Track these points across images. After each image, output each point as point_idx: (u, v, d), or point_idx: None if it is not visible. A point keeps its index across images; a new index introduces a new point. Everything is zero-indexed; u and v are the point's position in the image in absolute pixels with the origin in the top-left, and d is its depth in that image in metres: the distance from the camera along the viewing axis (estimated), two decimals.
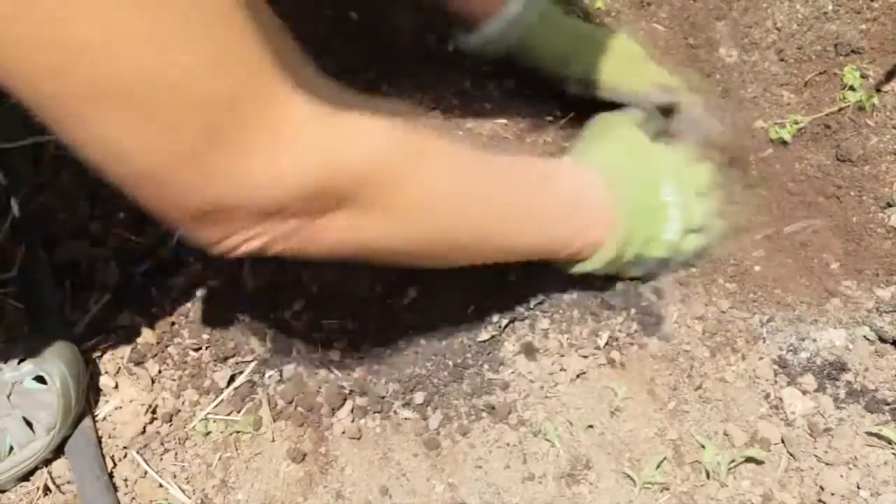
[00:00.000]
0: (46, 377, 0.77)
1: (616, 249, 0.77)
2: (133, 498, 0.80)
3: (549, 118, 1.03)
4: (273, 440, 0.83)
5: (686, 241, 0.84)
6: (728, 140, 0.96)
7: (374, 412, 0.83)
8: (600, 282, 0.87)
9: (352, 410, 0.83)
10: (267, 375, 0.85)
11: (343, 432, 0.82)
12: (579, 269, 0.79)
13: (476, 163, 0.65)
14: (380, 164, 0.53)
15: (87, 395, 0.82)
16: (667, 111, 0.93)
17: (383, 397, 0.83)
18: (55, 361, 0.77)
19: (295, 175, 0.48)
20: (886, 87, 1.03)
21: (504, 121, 1.01)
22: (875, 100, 1.01)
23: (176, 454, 0.82)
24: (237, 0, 0.41)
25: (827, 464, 0.81)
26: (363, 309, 0.87)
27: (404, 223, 0.58)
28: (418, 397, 0.84)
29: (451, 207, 0.61)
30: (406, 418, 0.83)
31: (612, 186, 0.77)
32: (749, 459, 0.82)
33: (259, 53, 0.44)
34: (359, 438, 0.82)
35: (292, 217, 0.51)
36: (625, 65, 0.94)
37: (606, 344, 0.87)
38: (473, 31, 0.92)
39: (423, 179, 0.58)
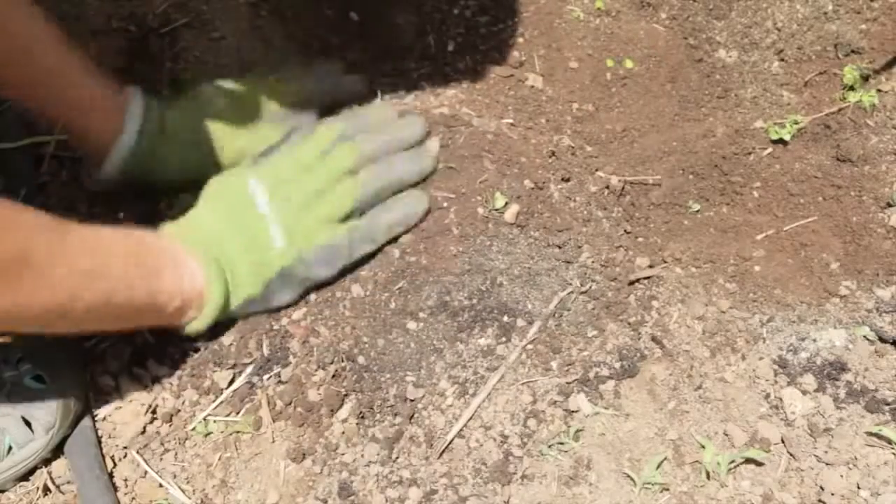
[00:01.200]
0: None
1: (220, 294, 0.77)
2: (133, 498, 0.80)
3: (556, 121, 1.04)
4: (273, 440, 0.83)
5: (319, 237, 0.82)
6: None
7: (375, 413, 0.83)
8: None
9: (351, 410, 0.83)
10: (266, 377, 0.85)
11: (343, 432, 0.82)
12: (196, 326, 0.79)
13: (51, 238, 0.64)
14: None
15: (88, 393, 0.82)
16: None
17: (383, 398, 0.83)
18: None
19: None
20: (886, 87, 1.03)
21: (510, 120, 1.01)
22: (875, 100, 1.02)
23: (176, 454, 0.82)
24: None
25: (827, 464, 0.81)
26: (359, 311, 0.87)
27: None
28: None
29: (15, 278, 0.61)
30: (405, 418, 0.83)
31: (201, 249, 0.78)
32: (749, 460, 0.82)
33: None
34: (358, 438, 0.82)
35: None
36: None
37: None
38: (98, 166, 0.87)
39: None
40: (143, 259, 0.72)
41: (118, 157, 0.85)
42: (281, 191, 0.83)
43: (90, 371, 0.84)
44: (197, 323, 0.78)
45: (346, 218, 0.85)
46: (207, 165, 0.90)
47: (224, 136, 0.91)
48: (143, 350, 0.86)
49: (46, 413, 0.76)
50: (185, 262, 0.76)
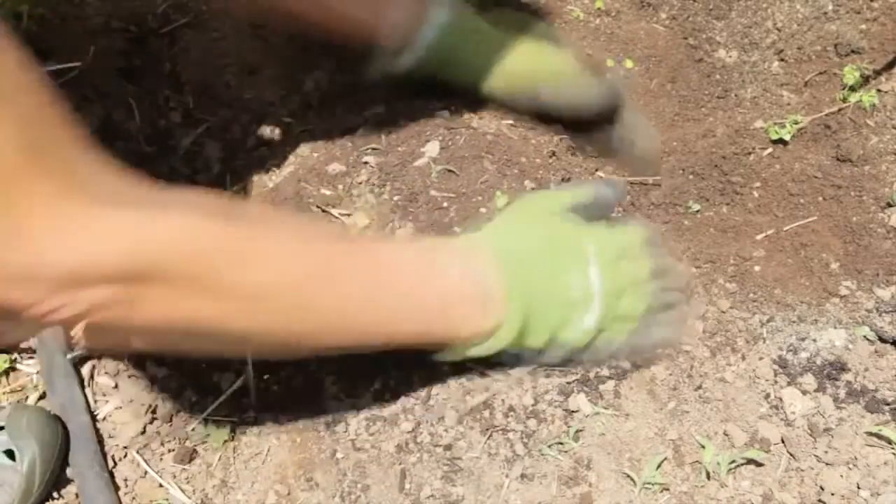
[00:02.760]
0: (17, 454, 0.75)
1: (509, 339, 0.72)
2: (133, 498, 0.80)
3: (556, 122, 1.04)
4: (273, 440, 0.83)
5: (610, 331, 0.78)
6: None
7: (375, 414, 0.83)
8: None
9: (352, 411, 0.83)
10: (265, 377, 0.85)
11: (344, 432, 0.82)
12: (469, 353, 0.74)
13: (321, 252, 0.61)
14: (180, 251, 0.54)
15: (57, 477, 0.79)
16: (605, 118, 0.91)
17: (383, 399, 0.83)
18: (31, 440, 0.75)
19: (84, 255, 0.50)
20: (886, 87, 1.03)
21: (510, 121, 1.01)
22: (875, 100, 1.02)
23: (176, 454, 0.82)
24: None
25: (827, 464, 0.81)
26: None
27: (231, 307, 0.57)
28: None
29: (287, 296, 0.59)
30: (406, 420, 0.83)
31: (510, 273, 0.71)
32: (749, 460, 0.82)
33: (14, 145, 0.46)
34: (359, 439, 0.82)
35: (100, 288, 0.51)
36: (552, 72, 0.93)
37: None
38: (395, 54, 0.90)
39: (246, 267, 0.56)
40: (434, 295, 0.67)
41: (421, 46, 0.88)
42: (609, 272, 0.77)
43: (91, 371, 0.84)
44: (470, 352, 0.72)
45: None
46: (500, 73, 0.91)
47: (519, 53, 0.92)
48: (144, 351, 0.86)
49: (5, 492, 0.74)
50: (491, 304, 0.70)
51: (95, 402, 0.84)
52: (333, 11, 0.89)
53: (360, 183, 0.92)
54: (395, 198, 0.90)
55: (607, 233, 0.80)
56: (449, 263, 0.70)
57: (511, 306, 0.71)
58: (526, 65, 0.94)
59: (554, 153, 0.98)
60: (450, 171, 0.92)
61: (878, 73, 1.04)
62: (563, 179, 0.96)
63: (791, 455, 0.82)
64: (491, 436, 0.82)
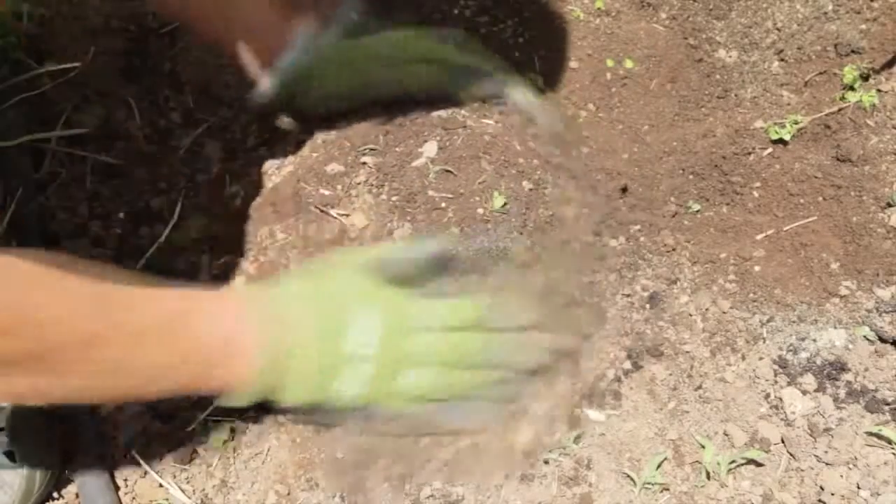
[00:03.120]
0: (17, 454, 0.75)
1: (252, 394, 0.69)
2: (133, 498, 0.80)
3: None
4: (273, 441, 0.83)
5: (385, 404, 0.73)
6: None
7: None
8: None
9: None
10: None
11: (344, 433, 0.82)
12: (223, 401, 0.70)
13: (84, 314, 0.59)
14: None
15: (57, 478, 0.79)
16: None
17: None
18: (31, 438, 0.75)
19: None
20: (886, 87, 1.03)
21: (501, 121, 1.01)
22: (875, 100, 1.01)
23: (176, 454, 0.82)
24: None
25: (827, 464, 0.81)
26: None
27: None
28: None
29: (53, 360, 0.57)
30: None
31: (267, 328, 0.69)
32: (749, 460, 0.82)
33: None
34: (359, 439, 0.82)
35: None
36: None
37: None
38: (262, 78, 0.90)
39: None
40: (189, 345, 0.66)
41: (279, 72, 0.88)
42: (393, 341, 0.72)
43: None
44: (226, 399, 0.70)
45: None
46: (356, 96, 0.92)
47: (374, 71, 0.93)
48: None
49: (5, 494, 0.74)
50: (242, 354, 0.68)
51: None
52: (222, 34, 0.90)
53: (359, 183, 0.92)
54: (394, 198, 0.90)
55: (414, 301, 0.74)
56: (202, 320, 0.68)
57: (258, 361, 0.68)
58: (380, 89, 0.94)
59: (555, 152, 0.98)
60: (448, 171, 0.92)
61: (878, 73, 1.04)
62: (566, 175, 0.96)
63: (791, 455, 0.82)
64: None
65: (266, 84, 0.90)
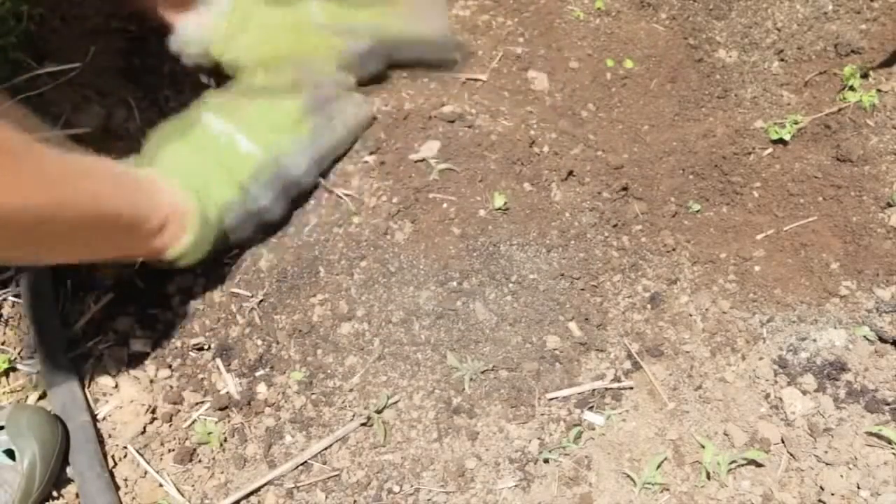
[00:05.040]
0: (17, 453, 0.75)
1: (196, 207, 0.80)
2: (133, 498, 0.80)
3: (556, 121, 1.03)
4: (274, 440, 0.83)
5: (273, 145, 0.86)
6: None
7: (376, 416, 0.83)
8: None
9: (353, 417, 0.83)
10: (265, 377, 0.85)
11: (345, 437, 0.82)
12: (185, 244, 0.80)
13: (29, 167, 0.63)
14: None
15: (57, 478, 0.79)
16: None
17: (387, 402, 0.83)
18: (31, 440, 0.75)
19: None
20: (886, 87, 1.03)
21: (509, 121, 1.01)
22: (875, 100, 1.02)
23: (176, 454, 0.82)
24: None
25: (827, 464, 0.81)
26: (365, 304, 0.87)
27: None
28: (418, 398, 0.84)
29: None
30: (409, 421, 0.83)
31: (159, 170, 0.81)
32: (749, 460, 0.82)
33: None
34: (358, 444, 0.82)
35: None
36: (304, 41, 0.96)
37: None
38: (174, 33, 0.93)
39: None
40: (123, 177, 0.75)
41: (197, 30, 0.91)
42: (235, 113, 0.87)
43: (90, 371, 0.84)
44: (185, 240, 0.79)
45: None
46: (277, 55, 0.94)
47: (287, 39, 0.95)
48: (143, 350, 0.86)
49: (5, 492, 0.74)
50: (160, 185, 0.79)
51: (95, 402, 0.84)
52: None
53: (361, 181, 0.92)
54: (395, 197, 0.90)
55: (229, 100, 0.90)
56: (135, 179, 0.78)
57: (183, 194, 0.79)
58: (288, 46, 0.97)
59: (556, 153, 0.98)
60: (450, 169, 0.92)
61: (878, 73, 1.04)
62: (562, 179, 0.96)
63: (791, 455, 0.82)
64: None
65: (183, 34, 0.91)
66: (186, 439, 0.83)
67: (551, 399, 0.85)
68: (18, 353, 0.86)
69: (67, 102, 0.98)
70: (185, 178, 0.81)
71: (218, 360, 0.86)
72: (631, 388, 0.87)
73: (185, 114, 0.89)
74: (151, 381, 0.85)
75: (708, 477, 0.81)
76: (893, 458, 0.80)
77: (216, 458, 0.82)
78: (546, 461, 0.82)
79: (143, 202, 0.75)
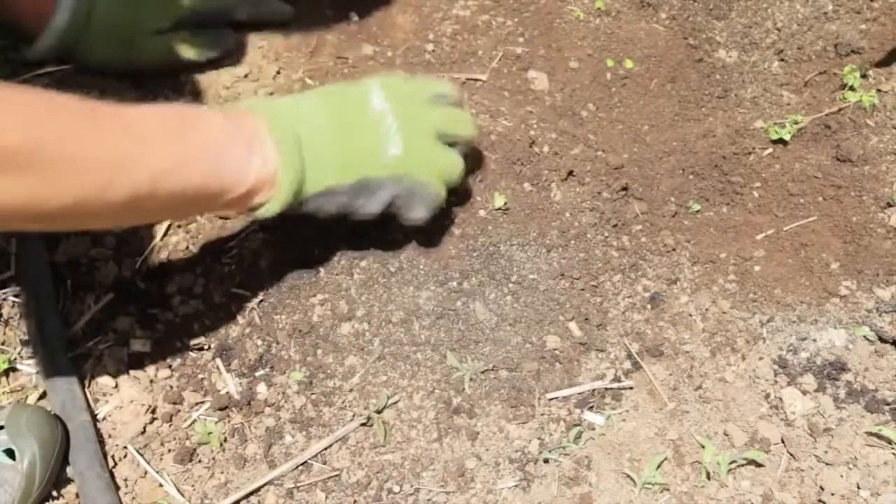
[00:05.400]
0: (17, 453, 0.75)
1: (291, 188, 0.70)
2: (133, 498, 0.80)
3: (556, 122, 1.04)
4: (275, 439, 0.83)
5: (419, 155, 0.77)
6: None
7: (376, 416, 0.83)
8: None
9: (353, 417, 0.83)
10: (265, 377, 0.85)
11: (345, 437, 0.82)
12: (265, 212, 0.72)
13: (85, 117, 0.58)
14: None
15: (57, 478, 0.79)
16: None
17: (387, 403, 0.83)
18: (30, 439, 0.75)
19: None
20: (886, 87, 1.03)
21: (509, 121, 1.01)
22: (875, 100, 1.02)
23: (176, 454, 0.82)
24: None
25: (827, 464, 0.81)
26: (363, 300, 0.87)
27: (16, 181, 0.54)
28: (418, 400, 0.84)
29: (53, 163, 0.55)
30: (411, 421, 0.83)
31: (276, 123, 0.71)
32: (749, 460, 0.82)
33: None
34: (358, 444, 0.82)
35: None
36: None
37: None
38: (31, 42, 0.90)
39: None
40: (198, 140, 0.65)
41: (48, 40, 0.87)
42: (402, 100, 0.77)
43: (90, 371, 0.84)
44: (266, 209, 0.71)
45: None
46: (130, 58, 0.92)
47: (144, 36, 0.92)
48: (143, 350, 0.86)
49: (5, 492, 0.74)
50: (256, 141, 0.69)
51: (95, 402, 0.84)
52: None
53: None
54: None
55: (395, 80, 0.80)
56: (208, 126, 0.68)
57: (285, 154, 0.70)
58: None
59: (556, 153, 0.98)
60: None
61: (878, 73, 1.04)
62: (562, 179, 0.96)
63: (791, 455, 0.82)
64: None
65: (41, 42, 0.88)
66: (186, 439, 0.83)
67: (551, 399, 0.85)
68: (18, 353, 0.86)
69: None
70: (296, 138, 0.71)
71: (218, 360, 0.86)
72: (631, 388, 0.87)
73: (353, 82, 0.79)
74: (151, 381, 0.85)
75: (708, 477, 0.81)
76: (893, 458, 0.80)
77: (216, 458, 0.82)
78: (546, 461, 0.82)
79: (225, 173, 0.66)
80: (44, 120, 0.55)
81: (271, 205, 0.71)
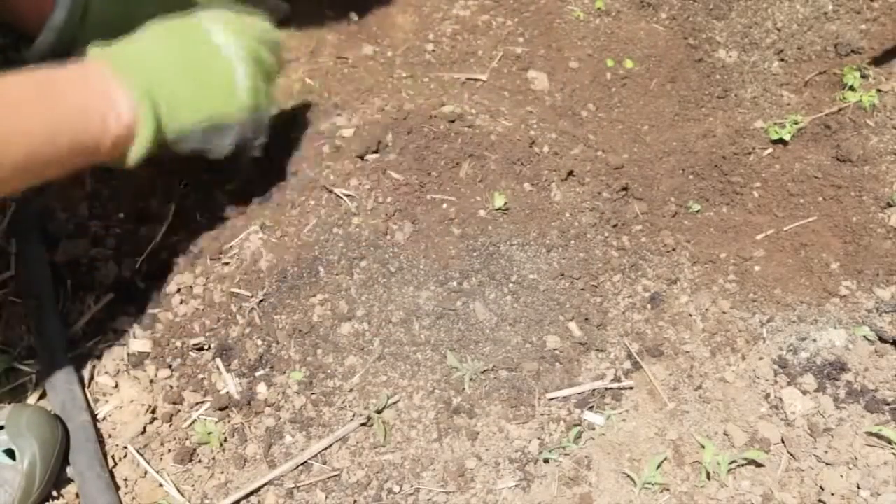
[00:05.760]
0: (17, 453, 0.75)
1: (150, 130, 0.73)
2: (133, 498, 0.80)
3: (556, 122, 1.03)
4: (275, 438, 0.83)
5: (263, 91, 0.81)
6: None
7: (376, 416, 0.83)
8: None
9: (353, 417, 0.83)
10: (265, 377, 0.85)
11: (345, 437, 0.82)
12: (129, 161, 0.74)
13: None
14: None
15: (57, 478, 0.79)
16: None
17: (387, 403, 0.83)
18: (31, 439, 0.75)
19: None
20: (886, 87, 1.03)
21: (509, 121, 1.01)
22: (875, 100, 1.02)
23: (176, 454, 0.82)
24: None
25: (827, 464, 0.81)
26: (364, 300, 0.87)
27: None
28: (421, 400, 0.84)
29: None
30: (412, 420, 0.83)
31: (124, 71, 0.73)
32: (749, 460, 0.82)
33: None
34: (358, 444, 0.82)
35: None
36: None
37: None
38: (32, 41, 0.89)
39: None
40: (61, 106, 0.69)
41: (47, 38, 0.87)
42: (240, 33, 0.80)
43: (90, 371, 0.84)
44: (130, 157, 0.74)
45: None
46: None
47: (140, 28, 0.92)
48: (143, 350, 0.86)
49: (5, 492, 0.74)
50: (111, 95, 0.72)
51: (95, 402, 0.84)
52: None
53: (361, 181, 0.92)
54: (396, 198, 0.90)
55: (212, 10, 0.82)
56: (71, 81, 0.71)
57: (139, 97, 0.72)
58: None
59: (556, 153, 0.98)
60: (451, 167, 0.92)
61: (878, 73, 1.04)
62: (562, 179, 0.96)
63: (791, 455, 0.82)
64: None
65: (40, 40, 0.88)
66: (186, 439, 0.83)
67: (551, 399, 0.85)
68: (18, 353, 0.86)
69: None
70: (148, 86, 0.73)
71: (218, 360, 0.86)
72: (631, 388, 0.87)
73: (182, 16, 0.81)
74: (151, 381, 0.85)
75: (708, 477, 0.81)
76: (893, 458, 0.80)
77: (216, 458, 0.82)
78: (546, 461, 0.82)
79: (89, 132, 0.69)
80: None
81: (134, 153, 0.74)
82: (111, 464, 0.81)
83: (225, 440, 0.83)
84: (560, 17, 1.11)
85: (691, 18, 1.11)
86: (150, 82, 0.74)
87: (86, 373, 0.85)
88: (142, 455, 0.81)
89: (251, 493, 0.80)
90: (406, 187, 0.91)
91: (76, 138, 0.69)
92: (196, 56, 0.77)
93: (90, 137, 0.70)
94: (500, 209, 0.91)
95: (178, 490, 0.80)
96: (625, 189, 0.99)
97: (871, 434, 0.82)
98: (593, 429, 0.84)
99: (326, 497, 0.80)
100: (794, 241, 0.97)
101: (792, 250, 0.96)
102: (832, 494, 0.78)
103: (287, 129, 0.98)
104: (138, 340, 0.86)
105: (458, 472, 0.80)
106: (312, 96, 1.01)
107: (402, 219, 0.90)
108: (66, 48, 0.90)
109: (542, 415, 0.84)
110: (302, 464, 0.81)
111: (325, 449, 0.82)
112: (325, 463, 0.81)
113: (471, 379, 0.85)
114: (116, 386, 0.84)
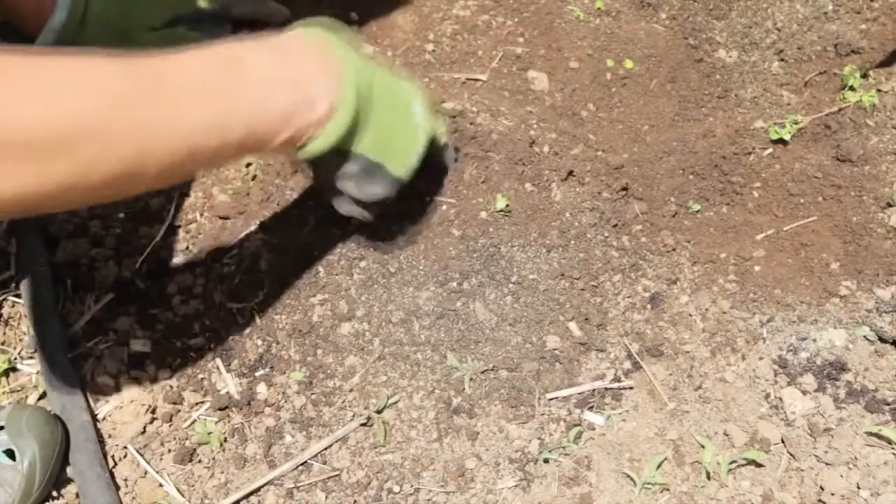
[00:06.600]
0: (17, 453, 0.75)
1: (347, 120, 0.69)
2: (133, 498, 0.80)
3: (556, 122, 1.03)
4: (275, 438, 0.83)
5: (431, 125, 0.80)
6: None
7: (376, 416, 0.83)
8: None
9: (353, 417, 0.83)
10: (265, 377, 0.85)
11: (345, 437, 0.82)
12: (312, 149, 0.70)
13: (116, 82, 0.55)
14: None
15: (57, 478, 0.79)
16: None
17: (387, 403, 0.83)
18: (31, 439, 0.75)
19: None
20: (886, 87, 1.03)
21: (510, 121, 1.01)
22: (875, 100, 1.01)
23: (176, 454, 0.82)
24: None
25: (827, 464, 0.81)
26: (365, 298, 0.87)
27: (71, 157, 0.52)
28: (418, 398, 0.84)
29: (107, 129, 0.53)
30: (409, 420, 0.83)
31: (344, 58, 0.70)
32: (749, 460, 0.82)
33: None
34: (358, 444, 0.82)
35: None
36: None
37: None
38: (32, 42, 0.89)
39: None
40: (240, 93, 0.62)
41: (47, 39, 0.86)
42: (429, 122, 0.80)
43: (91, 371, 0.84)
44: (313, 146, 0.69)
45: None
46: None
47: (140, 31, 0.92)
48: (143, 351, 0.86)
49: (5, 492, 0.74)
50: (311, 81, 0.67)
51: (95, 402, 0.84)
52: None
53: None
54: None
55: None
56: (255, 65, 0.65)
57: (346, 85, 0.69)
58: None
59: (556, 153, 0.98)
60: (452, 169, 0.92)
61: (878, 73, 1.04)
62: (563, 180, 0.96)
63: (791, 455, 0.82)
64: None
65: (40, 41, 0.87)
66: (186, 439, 0.83)
67: (551, 399, 0.85)
68: (18, 353, 0.86)
69: None
70: (356, 81, 0.69)
71: (218, 360, 0.86)
72: (631, 388, 0.87)
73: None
74: (151, 381, 0.85)
75: (708, 477, 0.81)
76: (893, 458, 0.80)
77: (216, 458, 0.82)
78: (546, 461, 0.82)
79: (272, 119, 0.64)
80: (71, 101, 0.52)
81: (320, 141, 0.69)
82: (111, 464, 0.81)
83: (225, 440, 0.83)
84: (560, 17, 1.11)
85: (691, 18, 1.11)
86: (360, 83, 0.70)
87: (86, 373, 0.85)
88: (142, 455, 0.81)
89: (251, 493, 0.80)
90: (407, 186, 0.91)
91: (249, 130, 0.63)
92: (395, 112, 0.77)
93: (266, 131, 0.64)
94: (501, 211, 0.91)
95: (178, 490, 0.80)
96: (625, 189, 0.99)
97: (871, 434, 0.82)
98: (593, 429, 0.84)
99: (326, 497, 0.80)
100: (794, 241, 0.97)
101: (792, 250, 0.96)
102: (832, 494, 0.78)
103: None
104: (138, 340, 0.86)
105: (458, 472, 0.80)
106: None
107: (402, 218, 0.90)
108: None
109: (542, 415, 0.84)
110: (302, 464, 0.81)
111: (325, 449, 0.82)
112: (325, 463, 0.81)
113: (471, 379, 0.85)
114: (116, 386, 0.85)
